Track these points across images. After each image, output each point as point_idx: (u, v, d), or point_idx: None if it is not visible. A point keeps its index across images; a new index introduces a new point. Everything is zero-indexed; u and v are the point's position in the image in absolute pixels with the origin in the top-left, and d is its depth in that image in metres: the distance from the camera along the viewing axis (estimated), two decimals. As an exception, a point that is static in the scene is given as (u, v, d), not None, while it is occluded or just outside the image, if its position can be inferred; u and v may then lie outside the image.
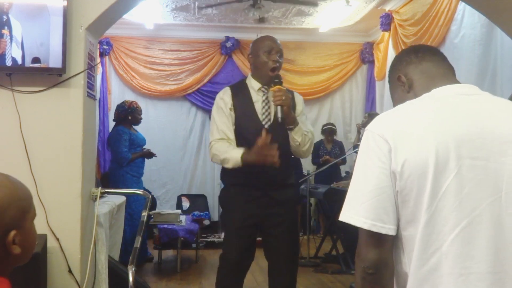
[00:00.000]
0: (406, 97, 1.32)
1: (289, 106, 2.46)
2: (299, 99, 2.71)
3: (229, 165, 2.48)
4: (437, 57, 1.33)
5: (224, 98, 2.61)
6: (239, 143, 2.56)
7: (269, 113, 2.58)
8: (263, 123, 2.56)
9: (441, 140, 1.12)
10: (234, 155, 2.46)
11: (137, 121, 5.11)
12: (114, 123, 5.21)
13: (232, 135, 2.56)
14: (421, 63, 1.32)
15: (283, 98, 2.43)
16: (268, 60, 2.54)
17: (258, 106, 2.59)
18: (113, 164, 5.08)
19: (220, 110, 2.60)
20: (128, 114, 5.01)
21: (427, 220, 1.11)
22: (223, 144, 2.54)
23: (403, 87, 1.34)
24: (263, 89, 2.61)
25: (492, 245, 1.11)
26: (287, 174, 2.66)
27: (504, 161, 1.13)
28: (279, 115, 2.43)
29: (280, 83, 2.51)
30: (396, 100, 1.38)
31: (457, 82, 1.29)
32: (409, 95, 1.32)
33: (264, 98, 2.60)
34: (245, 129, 2.57)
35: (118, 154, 4.88)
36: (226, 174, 2.67)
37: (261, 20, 5.86)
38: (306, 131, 2.59)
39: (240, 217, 2.58)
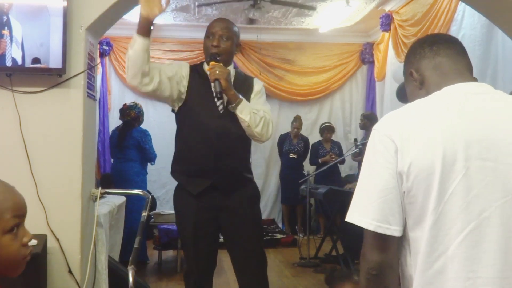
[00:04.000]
0: (418, 93, 1.29)
1: (225, 79, 2.28)
2: (257, 81, 2.55)
3: (134, 49, 2.16)
4: (453, 51, 1.28)
5: (182, 69, 2.43)
6: (192, 130, 2.39)
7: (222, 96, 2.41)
8: (219, 108, 2.40)
9: (449, 141, 1.10)
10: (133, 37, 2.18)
11: (142, 123, 5.31)
12: (113, 123, 5.27)
13: (156, 74, 2.28)
14: (435, 58, 1.27)
15: (217, 71, 2.27)
16: (208, 44, 2.39)
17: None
18: (135, 163, 5.10)
19: (172, 67, 2.40)
20: (140, 116, 5.23)
21: (433, 222, 1.10)
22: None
23: (415, 83, 1.30)
24: None
25: (501, 249, 1.08)
26: (241, 165, 2.49)
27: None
28: (217, 89, 2.27)
29: (215, 59, 2.34)
30: (408, 94, 1.36)
31: (471, 78, 1.26)
32: (421, 92, 1.28)
33: None
34: (200, 113, 2.38)
35: (152, 154, 5.13)
36: (175, 162, 2.52)
37: (251, 21, 5.84)
38: (257, 110, 2.37)
39: (194, 224, 2.41)
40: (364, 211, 1.14)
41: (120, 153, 5.17)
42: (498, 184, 1.10)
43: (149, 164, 5.49)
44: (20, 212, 1.12)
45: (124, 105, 5.35)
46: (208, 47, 2.40)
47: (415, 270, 1.14)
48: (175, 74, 2.37)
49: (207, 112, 2.39)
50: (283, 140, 6.85)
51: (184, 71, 2.43)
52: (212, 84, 2.31)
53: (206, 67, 2.43)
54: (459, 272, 1.08)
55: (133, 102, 5.35)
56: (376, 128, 1.19)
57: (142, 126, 5.38)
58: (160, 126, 6.98)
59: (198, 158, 2.40)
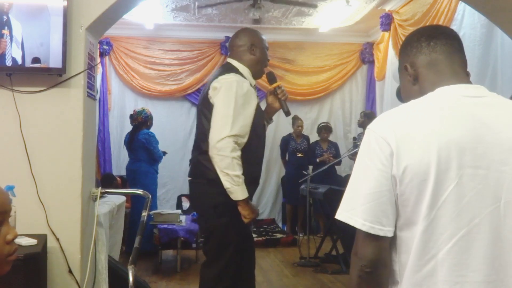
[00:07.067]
0: (411, 88, 1.29)
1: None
2: None
3: (235, 186, 2.28)
4: (450, 48, 1.26)
5: (250, 89, 2.38)
6: (250, 139, 2.38)
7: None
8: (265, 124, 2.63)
9: (444, 147, 1.10)
10: (243, 188, 2.30)
11: (151, 126, 5.77)
12: (113, 122, 5.40)
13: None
14: (431, 54, 1.25)
15: (285, 92, 2.56)
16: (268, 57, 2.61)
17: None
18: (143, 163, 5.57)
19: (248, 99, 2.33)
20: (148, 120, 5.68)
21: (425, 227, 1.11)
22: (239, 161, 2.29)
23: (408, 77, 1.29)
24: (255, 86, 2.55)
25: (489, 254, 1.10)
26: None
27: (504, 170, 1.12)
28: (285, 108, 2.52)
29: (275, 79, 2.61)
30: (402, 87, 1.35)
31: (466, 79, 1.25)
32: (415, 87, 1.28)
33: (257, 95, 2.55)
34: (258, 125, 2.43)
35: (157, 153, 5.57)
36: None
37: (256, 21, 5.88)
38: None
39: (241, 231, 2.45)
40: (357, 212, 1.14)
41: (131, 154, 5.72)
42: (488, 192, 1.11)
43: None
44: (2, 209, 1.07)
45: (134, 111, 5.85)
46: (267, 60, 2.63)
47: (399, 267, 1.16)
48: (255, 106, 2.43)
49: (263, 127, 2.56)
50: (287, 141, 6.86)
51: (252, 88, 2.46)
52: (283, 102, 2.55)
53: (250, 78, 2.51)
54: (448, 276, 1.10)
55: (142, 108, 5.83)
56: (371, 128, 1.19)
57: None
58: (160, 126, 6.98)
59: (259, 167, 2.56)
